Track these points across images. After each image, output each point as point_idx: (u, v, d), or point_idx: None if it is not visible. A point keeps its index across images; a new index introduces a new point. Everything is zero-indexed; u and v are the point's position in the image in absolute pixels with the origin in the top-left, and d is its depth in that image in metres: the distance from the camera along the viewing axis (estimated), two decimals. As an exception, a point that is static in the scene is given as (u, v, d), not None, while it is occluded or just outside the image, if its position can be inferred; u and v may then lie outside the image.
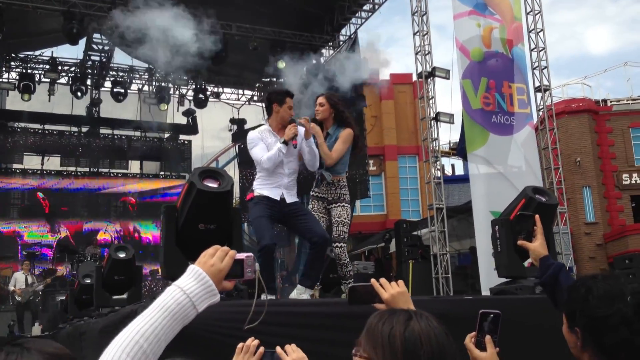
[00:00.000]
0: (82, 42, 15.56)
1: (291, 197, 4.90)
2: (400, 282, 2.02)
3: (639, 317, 1.71)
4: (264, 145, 4.83)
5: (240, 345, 1.86)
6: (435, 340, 1.38)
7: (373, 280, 2.00)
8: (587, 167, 19.18)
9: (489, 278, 8.96)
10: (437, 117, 11.41)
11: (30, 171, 18.36)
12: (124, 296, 5.60)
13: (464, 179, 15.18)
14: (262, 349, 1.87)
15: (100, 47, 16.46)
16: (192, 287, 1.47)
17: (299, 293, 4.81)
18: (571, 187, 18.66)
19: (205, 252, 1.58)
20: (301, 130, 4.89)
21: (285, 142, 4.73)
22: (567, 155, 18.61)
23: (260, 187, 4.85)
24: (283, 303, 3.85)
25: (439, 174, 11.66)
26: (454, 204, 15.21)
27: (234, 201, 18.97)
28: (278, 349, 1.88)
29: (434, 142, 11.44)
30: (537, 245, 2.52)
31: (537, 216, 2.56)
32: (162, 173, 20.05)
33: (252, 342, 1.88)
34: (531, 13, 12.48)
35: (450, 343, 1.41)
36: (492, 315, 1.94)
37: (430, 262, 11.04)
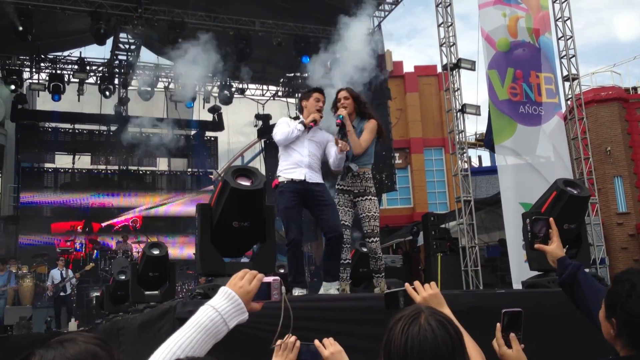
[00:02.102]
0: (109, 41, 15.81)
1: (315, 177, 4.97)
2: (433, 284, 2.08)
3: None
4: (287, 126, 4.99)
5: (278, 343, 1.91)
6: (431, 346, 1.45)
7: (407, 285, 2.07)
8: (618, 157, 18.84)
9: (519, 270, 8.89)
10: (463, 109, 11.33)
11: (62, 170, 18.73)
12: (158, 292, 5.72)
13: (492, 170, 15.06)
14: (298, 342, 1.92)
15: (127, 46, 16.68)
16: (224, 305, 1.63)
17: (326, 289, 4.87)
18: (602, 177, 18.34)
19: (235, 275, 1.74)
20: (333, 145, 5.06)
21: (303, 123, 4.92)
22: (597, 145, 18.30)
23: (284, 171, 4.95)
24: (315, 299, 3.90)
25: (466, 166, 11.59)
26: (482, 196, 15.09)
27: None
28: (316, 342, 1.92)
29: (460, 134, 11.37)
30: (553, 248, 2.56)
31: (551, 219, 2.60)
32: (189, 170, 20.29)
33: (289, 338, 1.93)
34: (557, 1, 12.30)
35: (452, 349, 1.47)
36: (514, 313, 2.00)
37: (459, 255, 10.99)
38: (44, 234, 17.32)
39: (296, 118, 5.16)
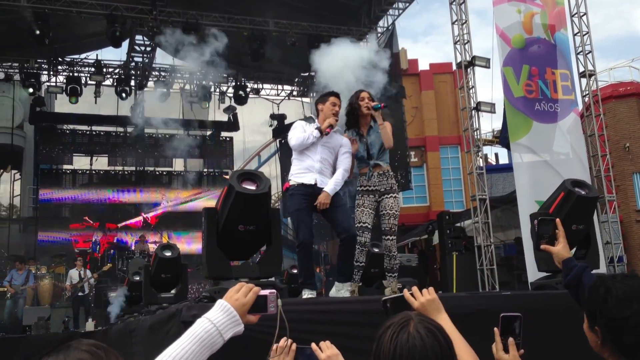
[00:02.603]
0: (125, 44, 15.96)
1: (325, 182, 5.02)
2: (431, 289, 2.09)
3: None
4: (303, 131, 5.02)
5: (274, 347, 1.92)
6: (420, 354, 1.46)
7: (405, 291, 2.09)
8: (637, 153, 18.58)
9: (535, 269, 8.79)
10: (478, 107, 11.24)
11: (80, 172, 18.96)
12: (172, 293, 5.77)
13: (508, 168, 14.92)
14: (294, 345, 1.93)
15: (142, 48, 16.82)
16: (219, 317, 1.68)
17: (338, 290, 4.91)
18: (620, 173, 18.11)
19: (232, 288, 1.77)
20: (348, 143, 5.17)
21: (319, 130, 4.94)
22: (615, 141, 18.06)
23: (295, 175, 5.01)
24: (319, 302, 3.90)
25: (482, 163, 11.51)
26: (498, 193, 14.98)
27: (276, 195, 18.99)
28: (313, 345, 1.93)
29: (476, 132, 11.29)
30: (559, 249, 2.56)
31: (558, 220, 2.59)
32: (205, 170, 20.40)
33: (285, 342, 1.94)
34: (573, -4, 12.14)
35: (441, 357, 1.48)
36: (513, 318, 1.99)
37: (474, 254, 10.90)
38: (63, 231, 17.56)
39: (310, 118, 5.20)
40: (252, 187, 3.69)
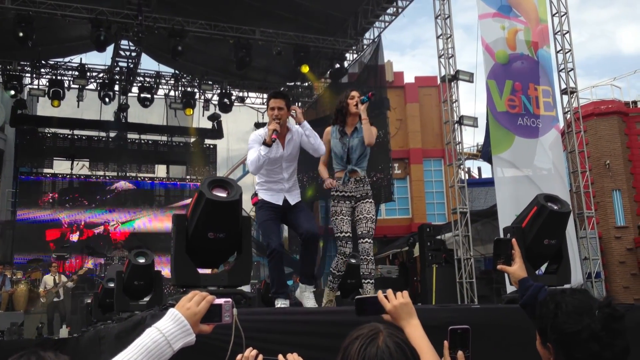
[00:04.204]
0: (110, 48, 15.86)
1: (294, 199, 4.96)
2: (405, 293, 2.05)
3: (607, 332, 1.72)
4: (256, 152, 4.74)
5: (239, 357, 1.88)
6: None
7: (379, 292, 2.05)
8: (617, 170, 18.79)
9: (513, 283, 8.84)
10: (460, 121, 11.32)
11: (60, 175, 18.74)
12: (145, 300, 5.68)
13: (491, 182, 14.99)
14: (260, 356, 1.89)
15: (128, 53, 16.73)
16: (169, 327, 1.62)
17: (302, 291, 4.90)
18: (601, 190, 18.31)
19: (184, 297, 1.71)
20: (293, 121, 5.00)
21: (265, 144, 4.64)
22: (596, 158, 18.26)
23: (263, 193, 4.90)
24: (289, 312, 3.86)
25: (463, 176, 11.56)
26: (480, 207, 15.03)
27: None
28: (280, 356, 1.89)
29: (458, 146, 11.35)
30: (516, 269, 2.56)
31: (514, 240, 2.60)
32: (188, 177, 20.29)
33: (250, 352, 1.90)
34: (557, 15, 12.30)
35: None
36: (462, 331, 1.96)
37: (454, 267, 10.93)
38: (39, 240, 17.29)
39: (261, 125, 5.12)
40: (223, 194, 3.64)
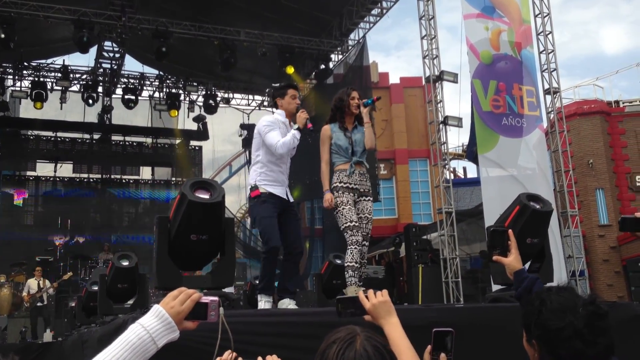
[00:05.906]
0: (93, 50, 15.73)
1: (290, 196, 4.98)
2: (385, 291, 2.05)
3: (590, 329, 1.73)
4: (279, 131, 4.82)
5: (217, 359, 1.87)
6: None
7: (360, 292, 2.06)
8: (600, 169, 18.95)
9: (499, 282, 8.89)
10: (445, 121, 11.37)
11: (44, 178, 18.56)
12: (128, 304, 5.63)
13: (476, 181, 15.07)
14: (240, 359, 1.88)
15: (111, 54, 16.61)
16: (153, 324, 1.61)
17: (286, 305, 4.72)
18: (584, 189, 18.46)
19: (170, 293, 1.71)
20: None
21: (299, 129, 4.73)
22: (579, 157, 18.41)
23: (266, 184, 4.81)
24: (271, 313, 3.84)
25: (449, 176, 11.61)
26: (466, 207, 15.10)
27: (244, 207, 18.76)
28: (259, 358, 1.88)
29: (443, 146, 11.40)
30: (511, 260, 2.57)
31: (510, 231, 2.59)
32: (173, 179, 20.18)
33: (229, 355, 1.88)
34: (539, 15, 12.40)
35: None
36: (445, 334, 1.96)
37: (440, 266, 10.97)
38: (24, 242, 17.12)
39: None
40: (206, 196, 3.61)
